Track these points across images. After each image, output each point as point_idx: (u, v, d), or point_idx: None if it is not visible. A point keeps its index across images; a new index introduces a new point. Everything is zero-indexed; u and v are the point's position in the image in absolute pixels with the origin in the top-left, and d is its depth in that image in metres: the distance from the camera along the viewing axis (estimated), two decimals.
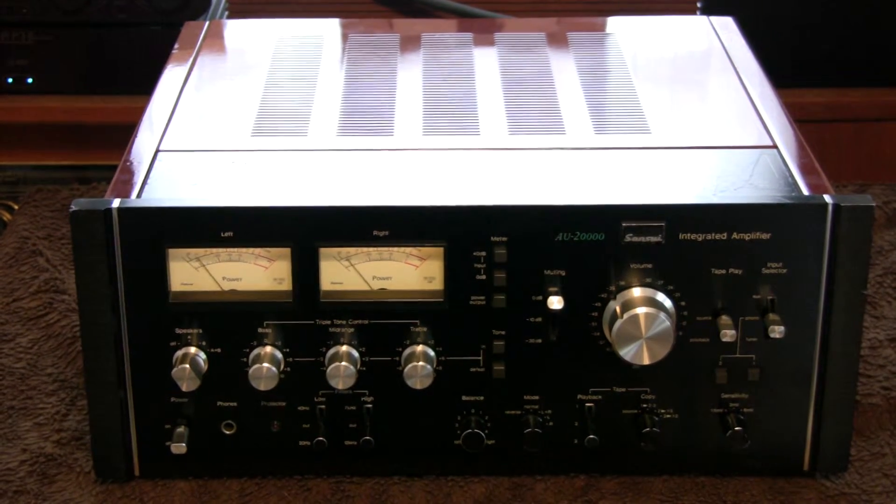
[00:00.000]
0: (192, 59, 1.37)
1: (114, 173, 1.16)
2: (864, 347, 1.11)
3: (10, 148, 2.02)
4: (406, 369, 1.08)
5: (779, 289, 1.08)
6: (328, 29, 1.50)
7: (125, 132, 1.27)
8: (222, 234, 1.07)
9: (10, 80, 1.97)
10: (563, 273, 1.07)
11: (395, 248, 1.07)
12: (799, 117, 1.25)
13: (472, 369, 1.10)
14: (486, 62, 1.37)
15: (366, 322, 1.09)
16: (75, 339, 1.30)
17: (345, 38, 1.45)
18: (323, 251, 1.07)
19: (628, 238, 1.06)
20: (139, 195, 1.10)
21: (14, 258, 1.43)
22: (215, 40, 1.45)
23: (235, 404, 1.11)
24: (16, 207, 1.90)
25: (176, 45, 1.42)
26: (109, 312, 1.08)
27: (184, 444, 1.10)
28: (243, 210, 1.07)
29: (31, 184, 1.91)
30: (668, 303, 1.07)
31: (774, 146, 1.18)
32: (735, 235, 1.07)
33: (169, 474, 1.13)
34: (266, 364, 1.08)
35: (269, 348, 1.09)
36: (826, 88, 2.01)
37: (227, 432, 1.12)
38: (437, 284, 1.08)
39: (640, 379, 1.10)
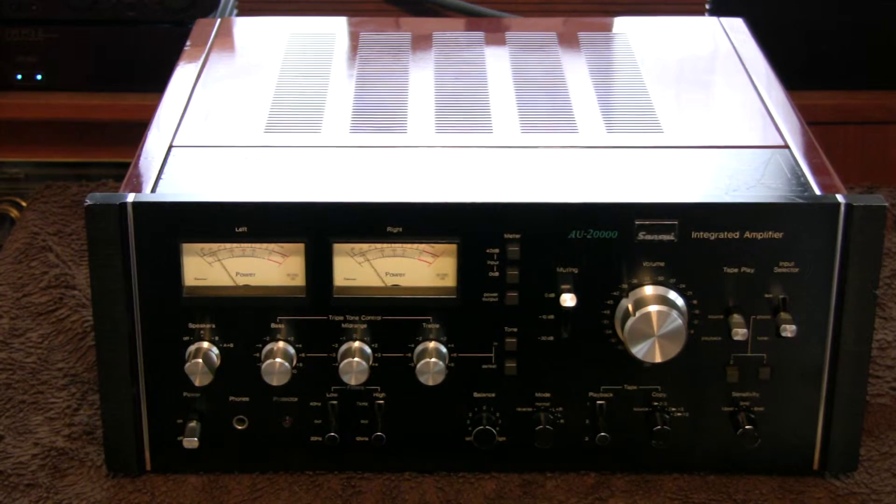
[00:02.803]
0: (203, 56, 1.38)
1: (121, 171, 1.16)
2: (872, 348, 1.11)
3: (19, 144, 2.03)
4: (418, 366, 1.09)
5: (790, 288, 1.08)
6: (339, 27, 1.50)
7: (133, 130, 1.28)
8: (236, 230, 1.07)
9: (19, 76, 1.98)
10: (575, 271, 1.08)
11: (409, 245, 1.08)
12: (805, 119, 1.25)
13: (484, 366, 1.10)
14: (497, 61, 1.37)
15: (378, 318, 1.09)
16: (86, 334, 1.30)
17: (355, 36, 1.46)
18: (336, 247, 1.07)
19: (641, 236, 1.07)
20: (153, 190, 1.10)
21: (24, 254, 1.44)
22: (226, 38, 1.46)
23: (247, 399, 1.11)
24: (24, 204, 1.90)
25: (188, 43, 1.42)
26: (123, 307, 1.08)
27: (196, 439, 1.11)
28: (257, 205, 1.07)
29: (39, 180, 1.91)
30: (680, 301, 1.08)
31: (786, 146, 1.18)
32: (747, 234, 1.07)
33: (180, 469, 1.13)
34: (279, 359, 1.08)
35: (281, 343, 1.09)
36: (833, 91, 2.01)
37: (239, 427, 1.12)
38: (450, 281, 1.08)
39: (652, 377, 1.11)
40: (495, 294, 1.08)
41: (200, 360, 1.08)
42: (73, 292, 1.37)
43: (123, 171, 1.15)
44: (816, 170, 1.14)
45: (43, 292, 1.37)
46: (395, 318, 1.09)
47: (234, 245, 1.08)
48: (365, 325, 1.09)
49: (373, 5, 1.98)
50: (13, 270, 1.41)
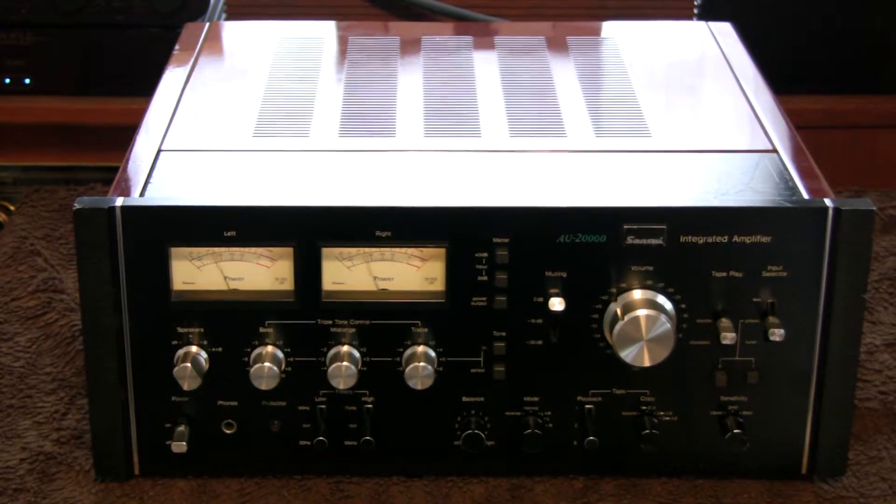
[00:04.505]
0: (192, 60, 1.38)
1: (110, 175, 1.16)
2: (860, 352, 1.11)
3: (7, 149, 2.02)
4: (407, 370, 1.09)
5: (779, 292, 1.08)
6: (328, 31, 1.50)
7: (122, 134, 1.27)
8: (225, 234, 1.07)
9: (7, 80, 1.97)
10: (564, 275, 1.08)
11: (397, 249, 1.08)
12: (794, 123, 1.25)
13: (473, 370, 1.10)
14: (486, 65, 1.37)
15: (367, 322, 1.09)
16: (74, 338, 1.30)
17: (344, 40, 1.46)
18: (325, 251, 1.07)
19: (629, 240, 1.07)
20: (142, 194, 1.10)
21: (12, 258, 1.43)
22: (215, 42, 1.46)
23: (236, 403, 1.11)
24: (11, 208, 1.90)
25: (177, 47, 1.42)
26: (111, 311, 1.08)
27: (184, 443, 1.10)
28: (246, 209, 1.07)
29: (28, 185, 1.90)
30: (668, 305, 1.08)
31: (774, 150, 1.19)
32: (736, 238, 1.07)
33: (169, 473, 1.13)
34: (267, 363, 1.08)
35: (270, 348, 1.09)
36: (821, 95, 2.01)
37: (228, 431, 1.12)
38: (439, 285, 1.08)
39: (640, 381, 1.11)
40: (484, 298, 1.08)
41: (189, 365, 1.08)
42: (61, 296, 1.36)
43: (112, 175, 1.15)
44: (804, 174, 1.14)
45: (31, 296, 1.37)
46: (384, 322, 1.09)
47: (223, 249, 1.08)
48: (353, 330, 1.09)
49: (362, 9, 1.98)
50: (1, 274, 1.41)
